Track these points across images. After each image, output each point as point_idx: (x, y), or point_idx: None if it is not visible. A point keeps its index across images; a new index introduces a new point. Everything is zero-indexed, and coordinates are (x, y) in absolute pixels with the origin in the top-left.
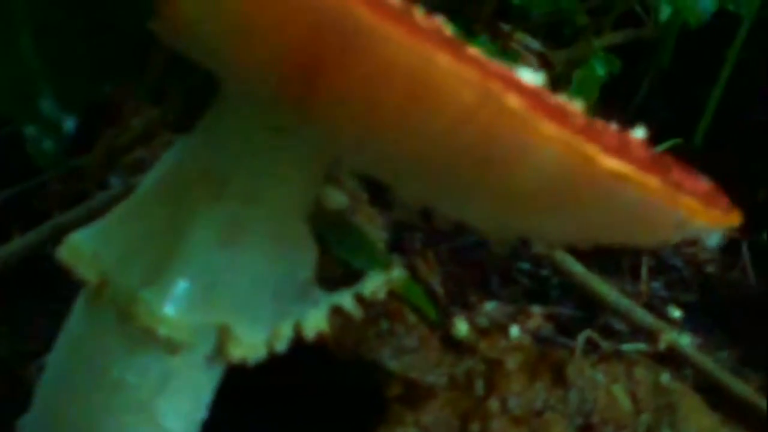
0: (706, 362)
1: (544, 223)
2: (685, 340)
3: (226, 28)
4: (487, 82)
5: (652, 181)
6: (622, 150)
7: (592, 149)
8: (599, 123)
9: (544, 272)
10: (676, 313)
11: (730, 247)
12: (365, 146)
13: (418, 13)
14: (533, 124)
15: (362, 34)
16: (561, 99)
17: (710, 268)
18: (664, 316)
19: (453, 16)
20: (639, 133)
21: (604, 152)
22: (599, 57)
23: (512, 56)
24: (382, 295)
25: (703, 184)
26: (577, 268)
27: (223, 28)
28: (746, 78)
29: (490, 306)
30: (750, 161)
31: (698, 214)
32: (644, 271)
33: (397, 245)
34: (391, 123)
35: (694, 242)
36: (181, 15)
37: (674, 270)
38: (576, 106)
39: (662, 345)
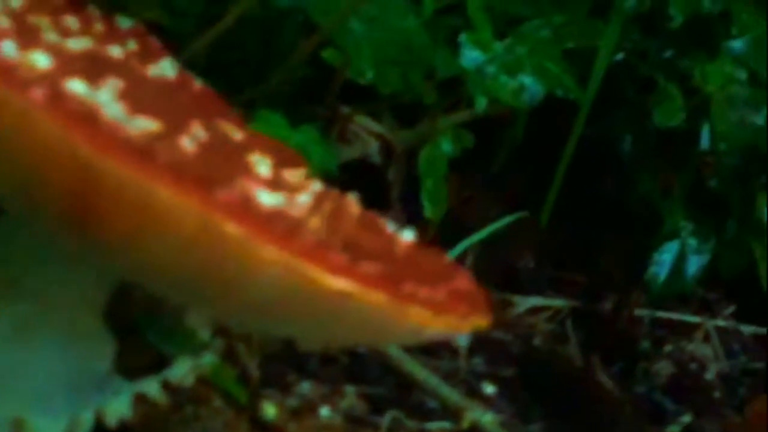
0: None
1: (290, 330)
2: (488, 418)
3: None
4: (207, 211)
5: (377, 297)
6: (350, 267)
7: (314, 270)
8: (359, 229)
9: (363, 351)
10: (490, 389)
11: (570, 317)
12: (126, 260)
13: (192, 129)
14: (253, 250)
15: (91, 169)
16: (316, 212)
17: (537, 341)
18: (477, 393)
19: (295, 99)
20: (408, 235)
21: (328, 271)
22: (447, 134)
23: (349, 140)
24: (189, 380)
25: (444, 289)
26: (389, 347)
27: None
28: (595, 151)
29: (305, 386)
30: (595, 233)
31: (429, 322)
32: (463, 348)
33: (222, 327)
34: (135, 246)
35: (528, 314)
36: None
37: (499, 344)
38: (347, 210)
39: (466, 423)
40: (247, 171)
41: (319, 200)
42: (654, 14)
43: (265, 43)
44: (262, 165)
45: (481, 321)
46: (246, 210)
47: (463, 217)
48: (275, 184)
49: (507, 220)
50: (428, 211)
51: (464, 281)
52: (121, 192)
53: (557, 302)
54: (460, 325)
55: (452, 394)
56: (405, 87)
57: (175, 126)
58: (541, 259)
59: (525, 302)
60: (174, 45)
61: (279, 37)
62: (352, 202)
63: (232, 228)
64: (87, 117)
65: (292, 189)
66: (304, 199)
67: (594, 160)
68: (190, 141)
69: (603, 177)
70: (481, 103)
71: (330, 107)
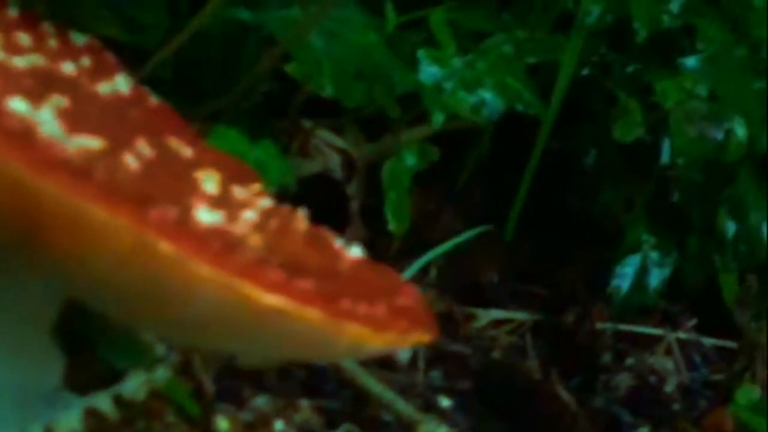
0: None
1: (230, 346)
2: (442, 431)
3: None
4: (140, 230)
5: (312, 314)
6: (285, 284)
7: (248, 287)
8: (304, 245)
9: (321, 365)
10: (445, 402)
11: (532, 331)
12: (67, 276)
13: (137, 147)
14: (187, 267)
15: (26, 187)
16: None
17: (497, 354)
18: (433, 406)
19: (258, 113)
20: (355, 251)
21: (263, 288)
22: (412, 147)
23: (310, 154)
24: (141, 395)
25: (384, 306)
26: (344, 361)
27: None
28: (559, 165)
29: (260, 401)
30: (559, 246)
31: (367, 339)
32: (421, 362)
33: None
34: (73, 262)
35: (490, 327)
36: None
37: (458, 357)
38: (295, 226)
39: None
40: (192, 188)
41: (265, 217)
42: (621, 29)
43: (228, 57)
44: (209, 182)
45: (422, 337)
46: (181, 228)
47: (427, 231)
48: (220, 201)
49: (470, 233)
50: (392, 224)
51: (407, 297)
52: (57, 210)
53: (519, 315)
54: (400, 341)
55: (407, 408)
56: (369, 101)
57: (118, 143)
58: (504, 273)
59: (487, 315)
60: (135, 60)
61: (242, 51)
62: (300, 218)
63: (164, 246)
64: (22, 135)
65: (238, 206)
66: (249, 215)
67: (558, 174)
68: (133, 158)
69: (567, 191)
70: (438, 119)
71: (292, 121)
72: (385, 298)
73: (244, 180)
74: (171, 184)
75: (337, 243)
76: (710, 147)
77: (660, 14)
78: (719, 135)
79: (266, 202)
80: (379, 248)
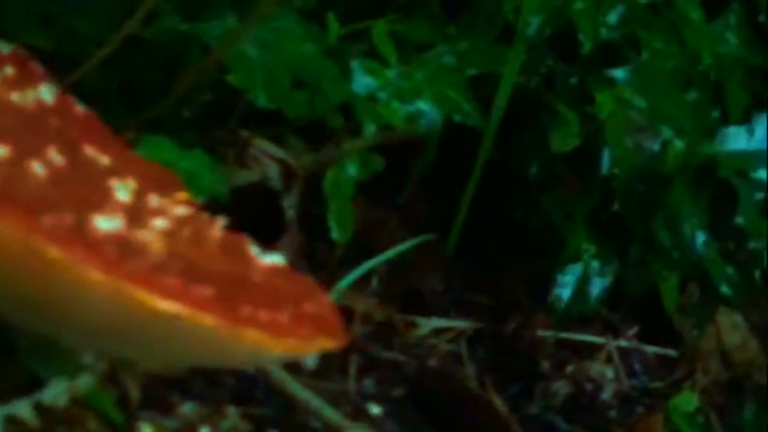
0: None
1: (130, 352)
2: None
3: None
4: (30, 237)
5: (208, 320)
6: (181, 290)
7: (143, 294)
8: (216, 253)
9: (250, 372)
10: (376, 409)
11: (472, 339)
12: None
13: (48, 155)
14: (79, 273)
15: None
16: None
17: (433, 362)
18: (364, 414)
19: (197, 122)
20: (271, 258)
21: (157, 294)
22: (354, 157)
23: (248, 164)
24: (63, 402)
25: (288, 313)
26: (272, 367)
27: None
28: (502, 175)
29: (187, 408)
30: (502, 255)
31: (267, 345)
32: (352, 369)
33: None
34: None
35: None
36: None
37: (392, 365)
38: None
39: None
40: (102, 196)
41: (178, 225)
42: (568, 40)
43: (168, 66)
44: (122, 190)
45: (326, 344)
46: (73, 234)
47: (371, 240)
48: (130, 209)
49: (412, 242)
50: (335, 233)
51: (315, 304)
52: None
53: (460, 324)
54: (303, 348)
55: (334, 415)
56: (311, 111)
57: (27, 152)
58: (446, 282)
59: (428, 324)
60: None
61: (182, 60)
62: (216, 226)
63: (54, 252)
64: None
65: (150, 213)
66: (159, 223)
67: (500, 184)
68: (41, 166)
69: (509, 200)
70: (370, 129)
71: (230, 130)
72: (292, 304)
73: (165, 189)
74: (79, 192)
75: (253, 250)
76: (647, 157)
77: (599, 26)
78: (656, 145)
79: (182, 211)
80: (321, 256)
